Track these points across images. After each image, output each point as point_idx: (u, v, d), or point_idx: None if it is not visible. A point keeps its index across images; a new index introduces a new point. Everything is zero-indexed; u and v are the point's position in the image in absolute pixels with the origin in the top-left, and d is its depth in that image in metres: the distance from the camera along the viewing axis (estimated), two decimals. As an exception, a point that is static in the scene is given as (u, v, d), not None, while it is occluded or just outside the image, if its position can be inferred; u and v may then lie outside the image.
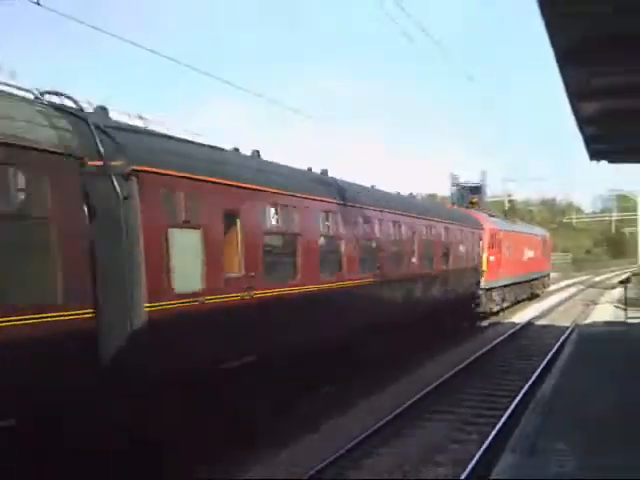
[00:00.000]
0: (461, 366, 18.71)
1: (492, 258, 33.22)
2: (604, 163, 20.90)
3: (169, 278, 9.74)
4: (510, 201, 69.46)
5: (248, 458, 10.93)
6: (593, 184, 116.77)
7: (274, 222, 13.13)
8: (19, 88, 8.92)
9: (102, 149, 9.02)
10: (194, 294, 10.21)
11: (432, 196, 67.38)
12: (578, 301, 45.04)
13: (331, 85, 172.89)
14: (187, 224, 10.32)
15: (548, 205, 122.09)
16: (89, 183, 8.77)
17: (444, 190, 51.63)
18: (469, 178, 43.41)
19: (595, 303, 41.85)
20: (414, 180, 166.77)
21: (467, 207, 35.38)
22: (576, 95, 11.44)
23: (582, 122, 13.81)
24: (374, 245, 17.91)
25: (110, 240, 9.06)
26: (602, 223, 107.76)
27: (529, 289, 44.04)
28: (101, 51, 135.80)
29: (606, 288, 55.87)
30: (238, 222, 11.48)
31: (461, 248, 26.87)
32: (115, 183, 9.03)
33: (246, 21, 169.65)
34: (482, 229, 31.36)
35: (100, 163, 8.96)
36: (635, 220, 73.40)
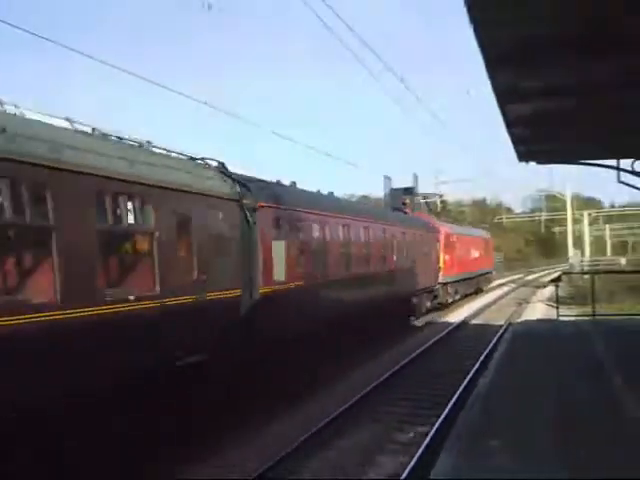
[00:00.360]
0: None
1: (447, 257, 38.91)
2: (533, 164, 21.28)
3: (271, 271, 15.71)
4: (442, 202, 70.20)
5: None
6: (523, 184, 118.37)
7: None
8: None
9: (240, 193, 14.69)
10: (282, 282, 16.13)
11: (365, 197, 67.73)
12: (511, 300, 45.78)
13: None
14: (279, 238, 16.31)
15: (479, 205, 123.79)
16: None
17: (378, 192, 52.45)
18: (402, 180, 44.35)
19: (527, 302, 42.63)
20: (349, 182, 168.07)
21: (400, 208, 36.56)
22: (504, 98, 11.61)
23: (510, 124, 14.01)
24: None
25: (247, 247, 14.71)
26: (532, 223, 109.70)
27: (476, 284, 49.23)
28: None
29: (537, 287, 56.91)
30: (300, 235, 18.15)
31: (421, 249, 32.87)
32: (248, 214, 14.71)
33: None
34: (439, 232, 38.01)
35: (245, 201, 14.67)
36: (564, 220, 74.94)
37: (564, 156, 20.24)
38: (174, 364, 11.55)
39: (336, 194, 24.02)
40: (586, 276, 42.53)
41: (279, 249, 16.01)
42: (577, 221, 78.63)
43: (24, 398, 8.67)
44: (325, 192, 22.76)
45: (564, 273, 46.52)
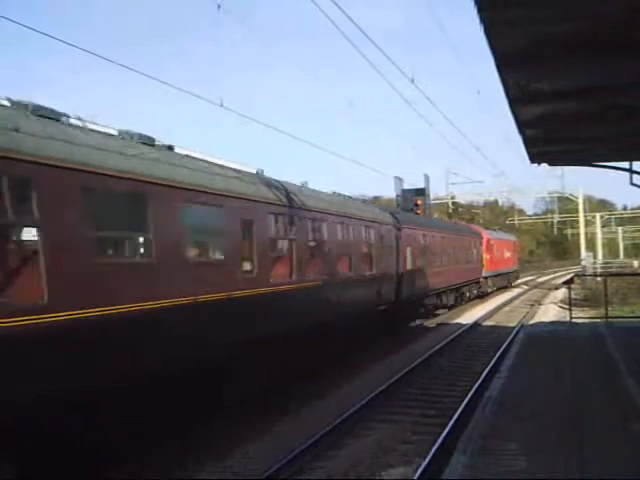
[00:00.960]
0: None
1: (487, 257, 49.00)
2: (544, 166, 21.18)
3: (405, 264, 28.13)
4: (454, 203, 70.08)
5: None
6: (535, 186, 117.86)
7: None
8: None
9: (394, 221, 27.21)
10: (410, 267, 29.07)
11: (377, 199, 67.61)
12: (523, 302, 45.60)
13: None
14: (409, 245, 28.93)
15: (491, 207, 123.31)
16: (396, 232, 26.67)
17: (389, 193, 52.65)
18: (413, 181, 44.40)
19: (540, 303, 42.44)
20: (359, 183, 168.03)
21: (412, 209, 37.00)
22: (516, 99, 11.53)
23: (522, 125, 13.93)
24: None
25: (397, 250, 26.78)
26: (545, 225, 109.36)
27: (507, 279, 59.49)
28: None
29: (550, 289, 56.66)
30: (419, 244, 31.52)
31: (474, 251, 46.12)
32: (396, 232, 26.87)
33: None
34: (482, 237, 49.25)
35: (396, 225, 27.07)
36: (577, 222, 74.62)
37: (576, 158, 20.13)
38: (376, 309, 24.28)
39: (347, 194, 24.48)
40: (599, 278, 42.35)
41: (408, 252, 28.69)
42: (589, 223, 78.33)
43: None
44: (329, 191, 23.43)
45: (577, 275, 46.33)
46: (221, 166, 14.51)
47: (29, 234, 9.41)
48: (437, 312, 35.19)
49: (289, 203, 16.31)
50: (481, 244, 47.96)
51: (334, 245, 19.26)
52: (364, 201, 31.47)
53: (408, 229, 28.72)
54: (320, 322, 17.48)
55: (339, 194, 22.84)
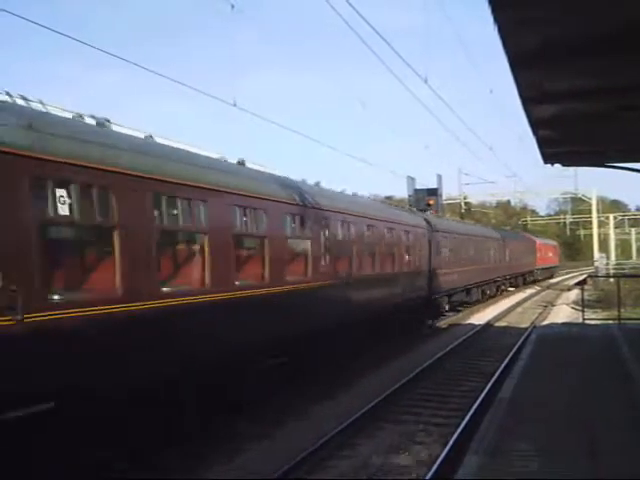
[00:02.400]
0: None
1: (538, 255, 70.08)
2: (558, 166, 21.12)
3: (438, 261, 31.01)
4: (466, 203, 69.96)
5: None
6: (548, 187, 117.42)
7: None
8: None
9: (428, 225, 29.94)
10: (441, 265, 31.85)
11: (389, 198, 67.51)
12: (536, 302, 45.48)
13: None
14: (437, 244, 31.24)
15: (503, 207, 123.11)
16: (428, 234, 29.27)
17: (401, 192, 52.71)
18: (426, 181, 44.36)
19: (553, 305, 42.31)
20: (371, 182, 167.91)
21: (424, 209, 37.05)
22: (529, 99, 11.49)
23: (535, 125, 13.88)
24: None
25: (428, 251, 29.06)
26: (557, 226, 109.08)
27: (550, 272, 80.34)
28: None
29: (562, 290, 56.48)
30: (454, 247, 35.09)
31: (522, 253, 60.56)
32: (431, 234, 29.94)
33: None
34: (535, 242, 70.21)
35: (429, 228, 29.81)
36: (590, 222, 74.40)
37: (589, 159, 20.06)
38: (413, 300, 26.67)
39: (359, 194, 25.22)
40: (611, 279, 42.20)
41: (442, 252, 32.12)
42: (602, 224, 78.07)
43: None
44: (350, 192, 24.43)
45: (589, 276, 46.15)
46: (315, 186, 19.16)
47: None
48: (483, 298, 43.59)
49: (364, 215, 21.12)
50: (534, 247, 68.93)
51: (386, 246, 23.24)
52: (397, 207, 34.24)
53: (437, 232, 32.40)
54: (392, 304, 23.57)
55: (387, 204, 32.68)
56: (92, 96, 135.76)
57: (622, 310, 25.67)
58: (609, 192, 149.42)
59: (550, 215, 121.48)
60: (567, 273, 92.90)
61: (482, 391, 15.81)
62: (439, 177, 45.00)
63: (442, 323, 31.86)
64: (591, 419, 11.14)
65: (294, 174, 17.78)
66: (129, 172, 10.11)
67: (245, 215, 13.53)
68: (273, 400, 14.43)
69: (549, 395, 13.06)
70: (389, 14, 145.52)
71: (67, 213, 8.96)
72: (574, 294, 47.37)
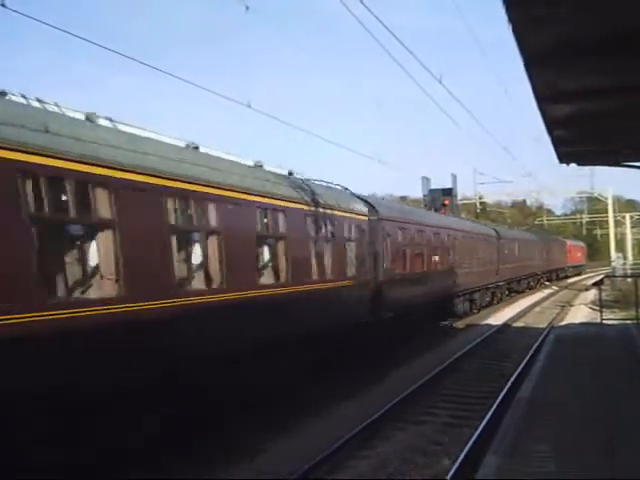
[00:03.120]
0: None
1: (568, 255, 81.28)
2: (573, 165, 21.03)
3: (504, 258, 42.30)
4: (481, 203, 69.78)
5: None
6: (564, 186, 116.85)
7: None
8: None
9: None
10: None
11: (403, 199, 67.41)
12: (553, 302, 45.31)
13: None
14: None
15: (519, 207, 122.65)
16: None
17: (416, 193, 52.78)
18: (441, 182, 44.58)
19: (570, 305, 42.13)
20: (385, 182, 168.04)
21: (439, 209, 37.29)
22: (544, 98, 11.45)
23: (550, 125, 13.82)
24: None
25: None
26: (573, 225, 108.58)
27: (578, 270, 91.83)
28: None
29: (580, 290, 56.25)
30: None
31: (556, 253, 71.73)
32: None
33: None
34: (565, 244, 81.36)
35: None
36: (606, 222, 74.03)
37: (605, 158, 19.95)
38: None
39: (374, 194, 25.78)
40: (629, 279, 41.98)
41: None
42: (619, 224, 77.63)
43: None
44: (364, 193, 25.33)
45: (607, 276, 45.92)
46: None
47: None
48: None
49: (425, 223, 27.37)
50: (565, 248, 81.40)
51: (434, 247, 28.34)
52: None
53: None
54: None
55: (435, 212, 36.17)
56: (111, 98, 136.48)
57: (640, 310, 25.50)
58: (625, 191, 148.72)
59: (566, 214, 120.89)
60: (584, 273, 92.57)
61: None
62: (454, 177, 44.99)
63: (460, 323, 31.77)
64: (609, 419, 11.11)
65: (307, 174, 18.06)
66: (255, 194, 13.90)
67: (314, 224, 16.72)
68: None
69: (567, 395, 13.03)
70: (403, 14, 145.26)
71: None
72: (592, 294, 47.17)
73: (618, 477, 8.38)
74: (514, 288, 49.21)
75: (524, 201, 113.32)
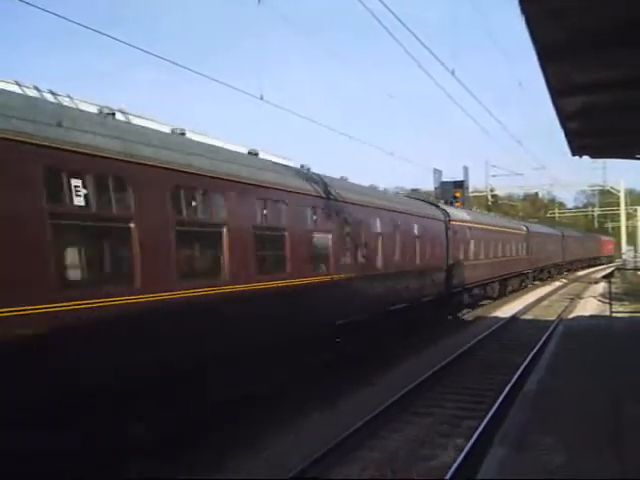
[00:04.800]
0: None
1: (602, 247, 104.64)
2: (586, 158, 21.00)
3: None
4: (493, 196, 69.60)
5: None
6: (576, 179, 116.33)
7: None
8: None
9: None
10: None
11: (415, 191, 67.36)
12: (562, 295, 45.19)
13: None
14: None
15: (531, 200, 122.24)
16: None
17: (427, 185, 52.81)
18: (452, 173, 44.64)
19: (580, 297, 42.02)
20: (397, 175, 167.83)
21: (451, 201, 37.00)
22: (558, 91, 11.44)
23: (564, 118, 13.82)
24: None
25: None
26: (585, 218, 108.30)
27: (609, 258, 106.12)
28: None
29: (590, 282, 56.09)
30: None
31: (593, 246, 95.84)
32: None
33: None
34: (600, 240, 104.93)
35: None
36: (618, 215, 73.79)
37: (618, 150, 19.92)
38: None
39: (383, 187, 26.39)
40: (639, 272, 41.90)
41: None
42: (630, 216, 77.40)
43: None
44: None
45: (617, 269, 45.78)
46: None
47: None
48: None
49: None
50: (600, 242, 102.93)
51: (487, 241, 35.15)
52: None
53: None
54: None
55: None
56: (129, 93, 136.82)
57: (650, 303, 25.52)
58: (638, 184, 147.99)
59: (578, 207, 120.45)
60: (595, 266, 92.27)
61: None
62: (465, 169, 44.85)
63: (469, 316, 31.78)
64: (617, 412, 11.12)
65: (320, 167, 18.08)
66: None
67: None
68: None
69: (576, 388, 13.05)
70: (416, 6, 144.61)
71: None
72: (601, 287, 47.06)
73: (625, 468, 8.40)
74: (573, 268, 75.86)
75: (536, 194, 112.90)
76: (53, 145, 8.39)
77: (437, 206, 29.04)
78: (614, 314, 25.76)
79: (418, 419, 13.43)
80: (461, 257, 29.89)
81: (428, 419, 13.39)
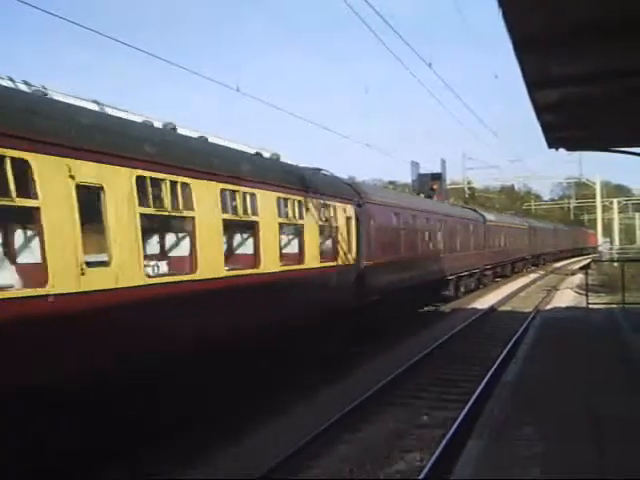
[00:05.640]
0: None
1: (590, 239, 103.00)
2: (562, 151, 21.04)
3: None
4: (470, 188, 69.88)
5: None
6: (552, 171, 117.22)
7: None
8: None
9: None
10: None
11: (392, 183, 67.43)
12: (539, 287, 45.46)
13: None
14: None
15: (507, 192, 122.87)
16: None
17: (404, 178, 52.96)
18: (429, 166, 45.05)
19: (556, 289, 42.29)
20: (374, 167, 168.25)
21: (428, 194, 37.27)
22: (533, 83, 11.43)
23: (540, 110, 13.81)
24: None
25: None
26: (561, 210, 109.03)
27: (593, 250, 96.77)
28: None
29: (567, 274, 56.46)
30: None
31: (582, 239, 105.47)
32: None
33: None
34: (587, 233, 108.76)
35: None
36: (594, 207, 74.32)
37: (594, 143, 19.97)
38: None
39: (362, 179, 26.28)
40: (615, 264, 42.18)
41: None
42: (606, 209, 77.97)
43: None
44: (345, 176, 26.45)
45: (594, 261, 46.09)
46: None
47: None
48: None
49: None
50: (587, 234, 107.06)
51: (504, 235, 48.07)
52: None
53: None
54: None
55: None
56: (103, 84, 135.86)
57: (626, 294, 25.64)
58: (613, 177, 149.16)
59: (554, 200, 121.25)
60: (571, 258, 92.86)
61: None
62: (443, 162, 45.02)
63: (445, 307, 31.89)
64: (594, 401, 11.19)
65: (297, 159, 18.00)
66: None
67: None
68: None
69: (553, 378, 13.11)
70: (394, 0, 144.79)
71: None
72: (578, 278, 47.38)
73: (604, 457, 8.44)
74: (564, 256, 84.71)
75: (512, 186, 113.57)
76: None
77: (476, 211, 43.55)
78: (590, 305, 25.91)
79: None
80: (495, 245, 45.76)
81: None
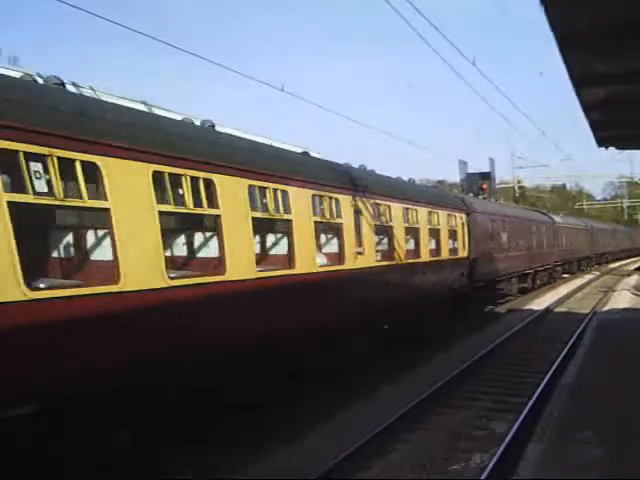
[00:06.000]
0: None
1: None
2: (612, 149, 20.78)
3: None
4: (520, 187, 69.14)
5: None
6: (604, 170, 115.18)
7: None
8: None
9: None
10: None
11: (441, 182, 67.08)
12: (595, 288, 44.82)
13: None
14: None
15: (559, 192, 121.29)
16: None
17: (453, 177, 52.68)
18: (478, 165, 44.62)
19: (613, 290, 41.66)
20: (422, 166, 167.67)
21: (477, 193, 36.99)
22: (580, 81, 11.34)
23: (587, 108, 13.69)
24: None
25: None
26: (614, 210, 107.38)
27: None
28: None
29: (622, 275, 55.57)
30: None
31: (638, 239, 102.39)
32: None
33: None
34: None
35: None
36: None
37: (641, 142, 19.69)
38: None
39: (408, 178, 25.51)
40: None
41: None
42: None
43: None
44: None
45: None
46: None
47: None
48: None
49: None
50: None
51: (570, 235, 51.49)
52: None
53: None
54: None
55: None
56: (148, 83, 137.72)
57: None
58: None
59: (606, 199, 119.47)
60: (626, 258, 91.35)
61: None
62: (491, 161, 44.63)
63: (500, 308, 31.61)
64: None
65: (343, 158, 18.26)
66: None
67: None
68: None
69: (612, 380, 12.95)
70: None
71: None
72: (634, 279, 46.61)
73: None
74: (622, 256, 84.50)
75: (564, 185, 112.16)
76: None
77: (545, 214, 46.66)
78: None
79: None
80: (563, 245, 48.58)
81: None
